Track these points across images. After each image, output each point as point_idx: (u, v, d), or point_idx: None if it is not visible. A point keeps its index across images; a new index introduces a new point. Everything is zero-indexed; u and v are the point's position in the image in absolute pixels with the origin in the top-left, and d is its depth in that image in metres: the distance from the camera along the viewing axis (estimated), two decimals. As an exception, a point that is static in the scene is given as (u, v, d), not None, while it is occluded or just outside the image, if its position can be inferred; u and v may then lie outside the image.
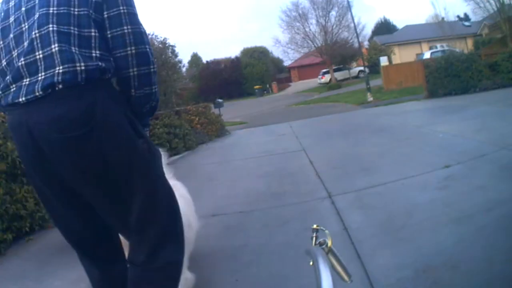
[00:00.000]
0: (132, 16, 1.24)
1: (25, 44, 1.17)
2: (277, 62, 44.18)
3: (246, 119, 16.46)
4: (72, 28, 1.16)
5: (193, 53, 42.92)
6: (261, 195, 3.94)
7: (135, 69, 1.23)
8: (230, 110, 16.46)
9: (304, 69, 43.05)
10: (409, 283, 1.90)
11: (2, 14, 1.28)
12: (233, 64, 39.24)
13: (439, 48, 24.47)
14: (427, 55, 22.23)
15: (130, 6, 1.25)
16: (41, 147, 1.16)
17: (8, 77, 1.20)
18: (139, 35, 1.25)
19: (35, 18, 1.17)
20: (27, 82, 1.16)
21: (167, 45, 10.69)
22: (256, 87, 36.23)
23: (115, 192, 1.24)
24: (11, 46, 1.21)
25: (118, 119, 1.20)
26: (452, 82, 10.86)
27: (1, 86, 1.23)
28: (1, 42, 1.25)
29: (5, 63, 1.22)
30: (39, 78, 1.14)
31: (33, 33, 1.16)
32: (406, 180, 3.61)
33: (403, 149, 5.06)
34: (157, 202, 1.31)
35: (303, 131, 8.90)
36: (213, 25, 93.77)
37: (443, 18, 27.91)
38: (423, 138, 5.61)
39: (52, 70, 1.13)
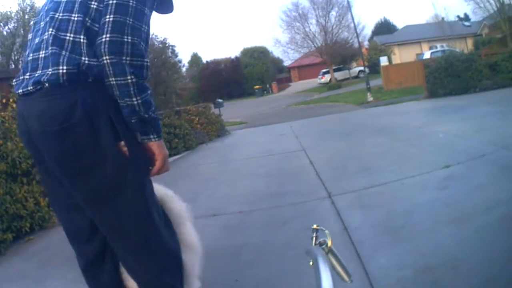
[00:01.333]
0: (120, 7, 1.22)
1: (36, 41, 1.31)
2: (277, 62, 44.19)
3: (246, 119, 16.47)
4: (68, 34, 1.24)
5: (193, 53, 43.03)
6: (261, 195, 3.93)
7: (111, 73, 1.22)
8: (230, 110, 16.46)
9: (304, 69, 43.07)
10: (409, 283, 1.90)
11: (41, 11, 1.42)
12: (233, 64, 39.24)
13: (439, 48, 24.46)
14: (427, 55, 22.23)
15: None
16: (33, 137, 1.28)
17: (22, 69, 1.33)
18: (119, 24, 1.20)
19: (46, 20, 1.30)
20: (27, 77, 1.28)
21: (167, 45, 10.71)
22: (256, 87, 36.23)
23: (88, 191, 1.29)
24: (30, 43, 1.35)
25: (96, 120, 1.23)
26: (452, 82, 10.85)
27: (18, 76, 1.35)
28: (31, 34, 1.38)
29: (26, 55, 1.35)
30: (36, 74, 1.26)
31: (45, 34, 1.28)
32: (406, 180, 3.61)
33: (403, 149, 5.06)
34: (125, 210, 1.30)
35: (303, 131, 8.90)
36: (213, 25, 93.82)
37: (443, 18, 27.99)
38: (423, 138, 5.61)
39: (45, 70, 1.24)
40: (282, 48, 44.32)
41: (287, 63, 43.67)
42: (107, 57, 1.18)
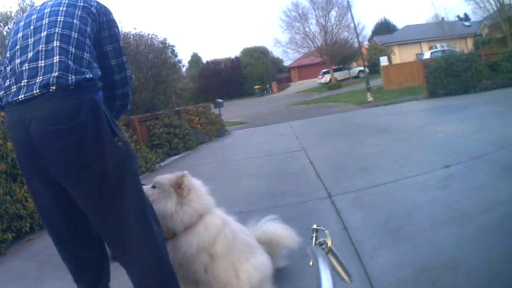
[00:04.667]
0: (118, 50, 1.67)
1: (30, 54, 1.42)
2: (277, 62, 44.15)
3: (246, 119, 16.47)
4: (70, 47, 1.43)
5: (193, 53, 42.84)
6: (261, 195, 3.93)
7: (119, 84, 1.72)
8: (230, 110, 16.46)
9: (304, 69, 43.03)
10: (409, 283, 1.90)
11: (13, 31, 1.57)
12: (233, 64, 39.21)
13: (439, 48, 24.44)
14: (427, 55, 22.21)
15: (117, 42, 1.66)
16: (33, 140, 1.36)
17: (10, 80, 1.42)
18: (122, 65, 1.70)
19: (42, 35, 1.44)
20: (25, 83, 1.37)
21: (167, 45, 10.70)
22: (256, 87, 36.21)
23: (92, 186, 1.39)
24: (16, 56, 1.45)
25: (99, 119, 1.40)
26: (452, 82, 10.86)
27: (4, 87, 1.43)
28: (8, 53, 1.50)
29: (8, 69, 1.45)
30: (37, 80, 1.36)
31: (40, 46, 1.42)
32: (406, 180, 3.61)
33: (403, 149, 5.06)
34: (124, 200, 1.42)
35: (303, 131, 8.90)
36: (213, 25, 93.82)
37: (443, 18, 27.95)
38: (423, 138, 5.61)
39: (49, 75, 1.36)
40: (282, 48, 44.33)
41: (287, 63, 43.64)
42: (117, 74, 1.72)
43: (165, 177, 1.77)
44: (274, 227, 2.13)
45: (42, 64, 1.38)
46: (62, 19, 1.47)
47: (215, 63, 39.31)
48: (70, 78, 1.36)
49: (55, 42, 1.41)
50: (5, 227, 3.29)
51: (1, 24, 7.65)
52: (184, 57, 57.66)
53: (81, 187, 1.40)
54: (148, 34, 10.30)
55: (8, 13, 7.83)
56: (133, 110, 8.72)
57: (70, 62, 1.39)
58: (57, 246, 1.59)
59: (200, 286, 1.77)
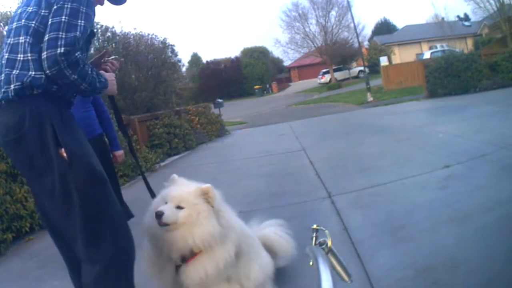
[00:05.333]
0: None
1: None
2: (277, 62, 44.12)
3: (246, 119, 16.47)
4: (19, 55, 1.44)
5: (193, 53, 42.80)
6: (261, 195, 3.93)
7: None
8: (230, 110, 16.46)
9: (304, 69, 43.01)
10: (409, 283, 1.90)
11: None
12: (233, 64, 39.20)
13: (439, 48, 24.43)
14: (427, 55, 22.20)
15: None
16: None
17: None
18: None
19: (3, 46, 1.51)
20: None
21: (167, 44, 10.71)
22: (256, 87, 36.19)
23: (47, 197, 1.47)
24: None
25: (42, 129, 1.41)
26: (452, 82, 10.86)
27: None
28: None
29: None
30: None
31: (2, 59, 1.49)
32: (406, 180, 3.61)
33: (403, 149, 5.06)
34: (72, 217, 1.44)
35: (303, 131, 8.90)
36: (213, 25, 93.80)
37: (443, 18, 27.93)
38: (423, 138, 5.61)
39: (1, 89, 1.44)
40: (282, 48, 44.24)
41: (287, 63, 43.60)
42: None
43: (183, 190, 1.64)
44: (273, 237, 2.11)
45: (2, 78, 1.46)
46: (15, 25, 1.48)
47: (215, 63, 39.30)
48: (10, 90, 1.41)
49: (6, 53, 1.47)
50: (5, 227, 3.28)
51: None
52: (184, 57, 57.71)
53: (39, 195, 1.50)
54: (148, 34, 10.33)
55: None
56: (133, 110, 8.73)
57: (14, 72, 1.42)
58: (57, 245, 1.62)
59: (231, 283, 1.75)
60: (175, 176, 1.71)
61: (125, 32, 9.78)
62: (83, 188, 1.44)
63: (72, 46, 1.37)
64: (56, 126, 1.42)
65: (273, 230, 2.16)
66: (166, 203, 1.60)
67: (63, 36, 1.36)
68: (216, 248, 1.59)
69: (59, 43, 1.35)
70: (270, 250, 2.05)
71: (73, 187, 1.42)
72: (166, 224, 1.55)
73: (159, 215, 1.53)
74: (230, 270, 1.68)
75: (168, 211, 1.55)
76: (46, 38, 1.37)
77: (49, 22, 1.39)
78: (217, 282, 1.66)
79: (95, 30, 1.62)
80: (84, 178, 1.45)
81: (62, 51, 1.35)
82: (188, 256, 1.60)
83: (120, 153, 3.38)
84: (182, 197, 1.59)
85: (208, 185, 1.64)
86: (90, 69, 1.47)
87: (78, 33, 1.39)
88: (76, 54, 1.38)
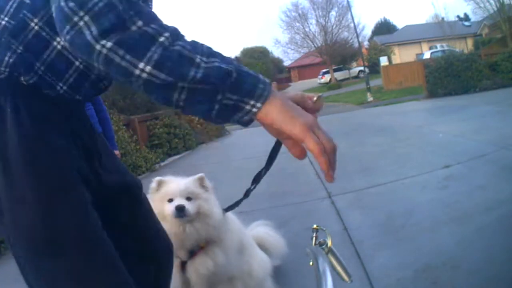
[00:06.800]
0: None
1: None
2: (277, 62, 44.14)
3: (246, 119, 16.44)
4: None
5: (193, 53, 42.85)
6: (261, 195, 3.92)
7: None
8: (230, 110, 16.43)
9: (304, 69, 43.02)
10: (409, 283, 1.90)
11: None
12: (233, 64, 39.24)
13: (439, 48, 24.45)
14: (427, 55, 22.21)
15: None
16: None
17: None
18: None
19: None
20: None
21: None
22: (256, 87, 36.19)
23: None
24: None
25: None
26: (452, 82, 10.86)
27: None
28: None
29: None
30: None
31: None
32: (406, 180, 3.61)
33: (403, 149, 5.06)
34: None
35: (303, 131, 8.88)
36: (213, 25, 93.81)
37: (443, 18, 27.99)
38: (423, 138, 5.61)
39: None
40: (282, 48, 44.45)
41: (287, 63, 43.66)
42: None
43: (186, 182, 1.64)
44: (264, 237, 2.12)
45: None
46: None
47: (215, 63, 39.29)
48: None
49: None
50: (5, 227, 3.28)
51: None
52: (184, 57, 57.57)
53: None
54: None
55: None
56: (133, 110, 8.72)
57: None
58: None
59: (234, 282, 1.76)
60: (160, 178, 1.66)
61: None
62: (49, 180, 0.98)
63: None
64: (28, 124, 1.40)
65: (263, 230, 2.16)
66: (168, 200, 1.58)
67: None
68: (224, 237, 1.63)
69: None
70: (262, 249, 2.07)
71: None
72: (185, 217, 1.53)
73: (180, 208, 1.51)
74: (234, 266, 1.69)
75: (185, 204, 1.54)
76: None
77: None
78: (222, 281, 1.67)
79: None
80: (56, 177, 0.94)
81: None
82: (196, 250, 1.61)
83: (116, 153, 3.40)
84: (189, 189, 1.60)
85: (201, 174, 1.68)
86: None
87: None
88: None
